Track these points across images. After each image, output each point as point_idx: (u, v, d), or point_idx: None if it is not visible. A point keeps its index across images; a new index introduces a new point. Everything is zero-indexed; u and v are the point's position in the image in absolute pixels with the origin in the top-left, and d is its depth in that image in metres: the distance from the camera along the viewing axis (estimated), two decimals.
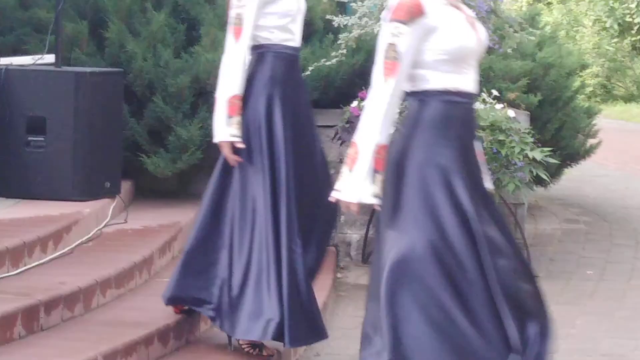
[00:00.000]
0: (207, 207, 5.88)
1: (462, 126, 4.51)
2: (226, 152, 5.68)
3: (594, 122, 11.24)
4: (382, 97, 4.38)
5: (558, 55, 10.27)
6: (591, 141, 11.01)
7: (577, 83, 11.34)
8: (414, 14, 4.39)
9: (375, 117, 4.39)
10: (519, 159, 8.23)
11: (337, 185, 4.50)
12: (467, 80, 4.45)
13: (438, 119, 4.35)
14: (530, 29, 9.27)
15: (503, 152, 8.15)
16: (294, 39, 5.85)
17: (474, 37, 4.53)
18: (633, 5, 22.09)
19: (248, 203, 5.75)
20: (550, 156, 8.56)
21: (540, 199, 11.13)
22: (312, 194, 5.93)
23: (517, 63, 9.53)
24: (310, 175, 6.01)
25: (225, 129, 5.60)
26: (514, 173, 8.28)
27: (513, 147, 8.23)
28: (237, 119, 5.60)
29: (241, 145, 5.59)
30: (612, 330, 7.45)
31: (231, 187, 5.84)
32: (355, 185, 4.41)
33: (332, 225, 6.41)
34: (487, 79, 8.98)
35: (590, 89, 19.38)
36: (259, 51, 5.78)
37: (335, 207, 5.78)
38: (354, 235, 8.96)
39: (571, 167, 10.97)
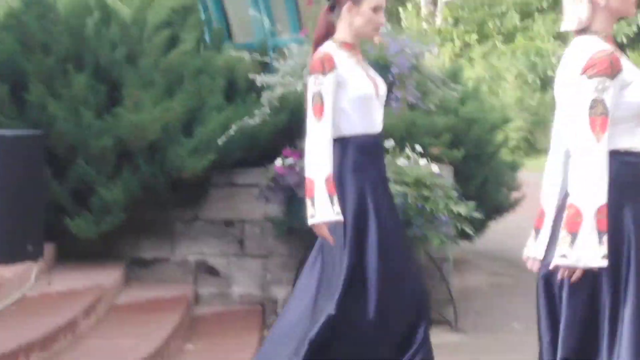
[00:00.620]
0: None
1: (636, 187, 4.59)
2: (325, 232, 5.72)
3: (517, 175, 11.47)
4: (597, 155, 4.40)
5: (481, 110, 10.54)
6: (515, 194, 11.26)
7: (500, 137, 11.61)
8: (616, 68, 4.51)
9: (595, 176, 4.41)
10: (444, 213, 8.35)
11: (559, 252, 4.55)
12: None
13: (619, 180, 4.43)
14: (453, 85, 9.38)
15: (428, 207, 8.24)
16: (375, 125, 6.01)
17: None
18: (554, 60, 22.85)
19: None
20: (475, 210, 8.73)
21: (466, 252, 11.29)
22: (398, 269, 6.01)
23: (440, 118, 9.68)
24: (396, 252, 6.09)
25: (330, 208, 5.66)
26: (438, 228, 8.40)
27: (437, 202, 8.35)
28: (336, 197, 5.71)
29: (341, 221, 5.70)
30: None
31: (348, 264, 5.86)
32: (584, 249, 4.47)
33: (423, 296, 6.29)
34: (410, 134, 9.20)
35: (514, 142, 19.86)
36: (339, 141, 5.93)
37: (421, 281, 6.25)
38: (281, 292, 8.94)
39: (496, 220, 11.12)
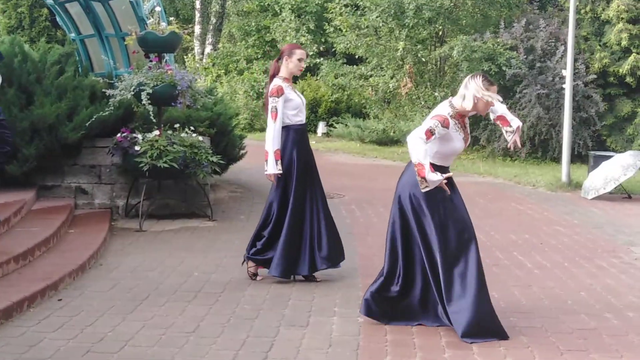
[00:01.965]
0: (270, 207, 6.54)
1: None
2: (273, 179, 6.40)
3: (243, 142, 12.21)
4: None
5: (224, 108, 11.28)
6: (242, 152, 12.00)
7: (235, 122, 12.23)
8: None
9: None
10: (205, 161, 9.18)
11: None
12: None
13: None
14: (210, 96, 10.31)
15: (197, 158, 9.11)
16: (302, 119, 6.51)
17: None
18: (261, 78, 23.46)
19: (288, 201, 6.43)
20: (221, 159, 9.65)
21: (217, 180, 11.80)
22: (318, 198, 6.55)
23: (203, 113, 10.52)
24: (317, 189, 6.60)
25: (275, 167, 6.34)
26: (202, 168, 9.20)
27: (202, 155, 9.17)
28: (280, 162, 6.33)
29: (280, 174, 6.37)
30: None
31: (278, 196, 6.47)
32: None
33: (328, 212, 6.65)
34: (188, 120, 10.15)
35: (242, 125, 20.20)
36: (285, 128, 6.42)
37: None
38: (121, 202, 9.71)
39: (232, 164, 11.77)
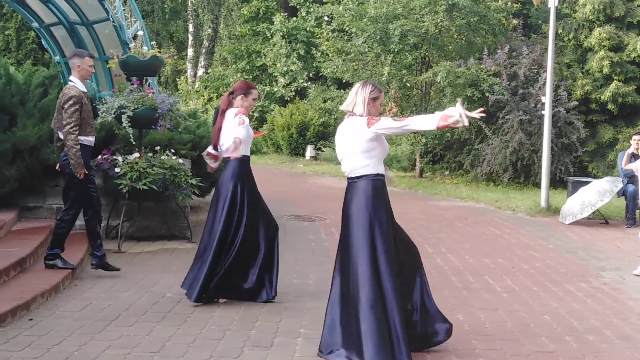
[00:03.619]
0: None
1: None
2: (232, 151, 6.63)
3: None
4: None
5: (207, 131, 11.24)
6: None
7: None
8: None
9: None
10: (185, 183, 9.36)
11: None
12: None
13: None
14: (191, 119, 10.50)
15: (177, 180, 9.28)
16: (248, 152, 6.84)
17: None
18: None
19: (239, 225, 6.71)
20: (202, 182, 9.79)
21: (199, 202, 11.79)
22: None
23: (186, 136, 10.80)
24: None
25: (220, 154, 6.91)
26: (182, 190, 9.37)
27: (182, 178, 9.34)
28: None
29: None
30: None
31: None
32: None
33: (275, 233, 6.93)
34: (169, 143, 10.31)
35: None
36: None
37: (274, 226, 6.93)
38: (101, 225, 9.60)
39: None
